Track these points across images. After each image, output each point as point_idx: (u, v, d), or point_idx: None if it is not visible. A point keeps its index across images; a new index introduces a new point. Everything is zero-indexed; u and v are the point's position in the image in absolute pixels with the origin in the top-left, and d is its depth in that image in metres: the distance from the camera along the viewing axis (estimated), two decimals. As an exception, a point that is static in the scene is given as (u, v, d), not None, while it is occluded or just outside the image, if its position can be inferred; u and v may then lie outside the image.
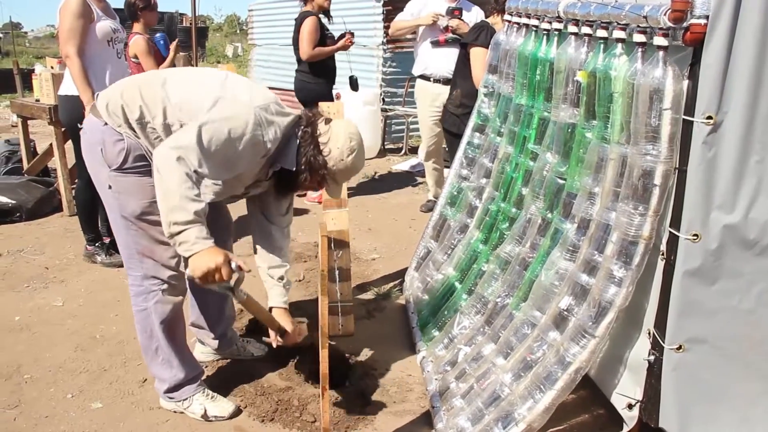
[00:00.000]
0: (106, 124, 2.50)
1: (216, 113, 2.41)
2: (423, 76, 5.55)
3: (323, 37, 5.62)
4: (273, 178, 2.69)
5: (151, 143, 2.50)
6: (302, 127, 2.61)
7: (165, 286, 2.67)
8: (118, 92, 2.55)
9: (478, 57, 4.31)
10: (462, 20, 5.28)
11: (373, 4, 8.50)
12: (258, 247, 2.87)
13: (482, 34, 4.38)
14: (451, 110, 4.68)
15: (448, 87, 5.01)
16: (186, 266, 2.33)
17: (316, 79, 5.70)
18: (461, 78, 4.64)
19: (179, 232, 2.26)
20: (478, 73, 4.24)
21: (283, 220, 2.91)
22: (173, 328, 2.76)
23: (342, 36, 5.74)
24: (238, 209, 3.12)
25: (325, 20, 5.74)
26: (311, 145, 2.58)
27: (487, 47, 4.20)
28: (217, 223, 2.86)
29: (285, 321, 2.79)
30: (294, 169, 2.60)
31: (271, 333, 2.79)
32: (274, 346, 2.83)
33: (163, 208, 2.27)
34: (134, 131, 2.50)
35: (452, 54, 5.12)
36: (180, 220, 2.24)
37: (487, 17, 4.70)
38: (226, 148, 2.39)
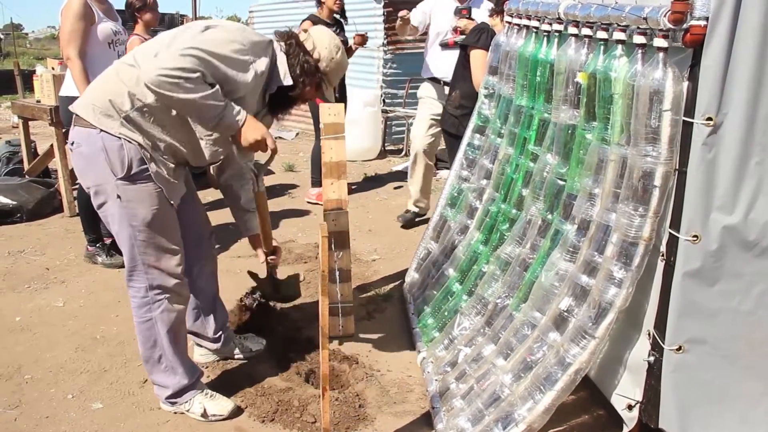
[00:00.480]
0: (101, 131, 2.47)
1: (208, 34, 2.44)
2: (434, 79, 5.36)
3: None
4: (270, 103, 2.73)
5: (150, 133, 2.51)
6: (284, 42, 2.67)
7: (170, 294, 2.69)
8: (98, 91, 2.54)
9: (478, 59, 4.30)
10: (471, 19, 5.19)
11: (374, 5, 8.51)
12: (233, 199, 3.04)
13: (483, 36, 4.37)
14: (450, 111, 4.67)
15: None
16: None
17: None
18: (460, 79, 4.63)
19: (220, 117, 2.42)
20: (478, 75, 4.24)
21: (245, 175, 3.00)
22: (177, 335, 2.77)
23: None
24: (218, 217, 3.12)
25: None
26: (301, 53, 2.66)
27: (487, 49, 4.20)
28: (190, 220, 2.92)
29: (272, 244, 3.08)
30: (291, 83, 2.64)
31: (260, 253, 3.08)
32: (261, 261, 3.11)
33: (193, 113, 2.43)
34: (131, 124, 2.48)
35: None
36: (216, 103, 2.38)
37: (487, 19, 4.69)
38: (224, 56, 2.42)
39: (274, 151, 2.61)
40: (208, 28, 2.48)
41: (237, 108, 2.46)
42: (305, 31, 2.77)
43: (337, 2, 5.82)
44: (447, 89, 5.19)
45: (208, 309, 3.13)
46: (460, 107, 4.53)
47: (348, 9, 6.07)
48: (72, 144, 2.59)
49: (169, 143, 2.55)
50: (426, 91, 5.39)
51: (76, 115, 2.55)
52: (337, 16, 5.98)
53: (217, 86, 2.40)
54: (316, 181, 5.97)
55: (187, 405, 2.81)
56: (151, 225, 2.57)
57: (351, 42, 5.90)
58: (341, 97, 6.06)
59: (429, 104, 5.32)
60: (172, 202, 2.62)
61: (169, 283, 2.67)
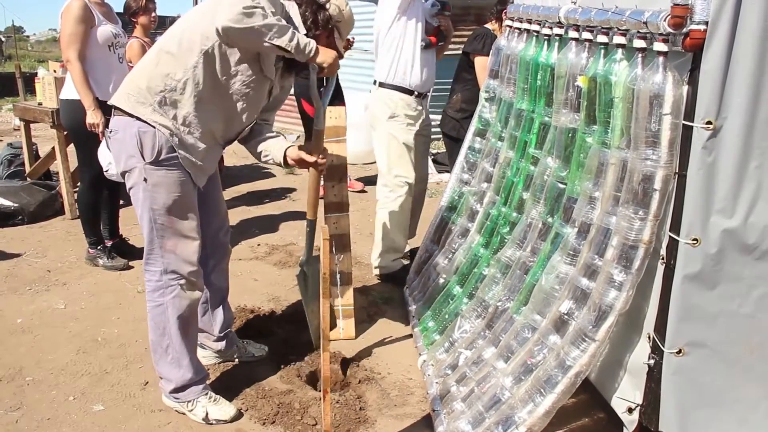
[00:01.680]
0: (138, 118, 2.56)
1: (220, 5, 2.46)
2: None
3: None
4: (284, 61, 2.76)
5: (183, 115, 2.57)
6: None
7: (184, 281, 2.73)
8: (136, 78, 2.63)
9: (484, 65, 4.28)
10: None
11: (373, 9, 8.51)
12: (252, 138, 2.93)
13: (486, 43, 4.37)
14: (451, 114, 4.67)
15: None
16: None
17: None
18: (461, 83, 4.63)
19: (297, 42, 2.48)
20: (482, 81, 4.23)
21: (272, 115, 3.02)
22: (188, 325, 2.80)
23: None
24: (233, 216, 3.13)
25: None
26: (312, 4, 2.73)
27: (488, 55, 4.21)
28: (212, 211, 2.98)
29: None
30: (305, 32, 2.69)
31: (310, 157, 2.84)
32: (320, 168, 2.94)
33: (272, 41, 2.43)
34: (164, 107, 2.56)
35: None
36: (288, 36, 2.45)
37: (485, 24, 4.68)
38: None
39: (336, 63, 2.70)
40: None
41: (307, 39, 2.56)
42: None
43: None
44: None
45: (216, 305, 3.15)
46: (460, 110, 4.54)
47: None
48: (110, 132, 2.69)
49: (203, 117, 2.62)
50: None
51: (115, 106, 2.65)
52: None
53: (279, 16, 2.51)
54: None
55: (190, 405, 2.82)
56: (170, 210, 2.64)
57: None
58: (338, 98, 6.06)
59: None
60: (198, 184, 2.71)
61: (184, 269, 2.71)
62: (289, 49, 2.48)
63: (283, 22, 2.48)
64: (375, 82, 4.35)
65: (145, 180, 2.60)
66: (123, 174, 2.68)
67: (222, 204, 3.11)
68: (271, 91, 2.83)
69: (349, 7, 2.84)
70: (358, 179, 6.94)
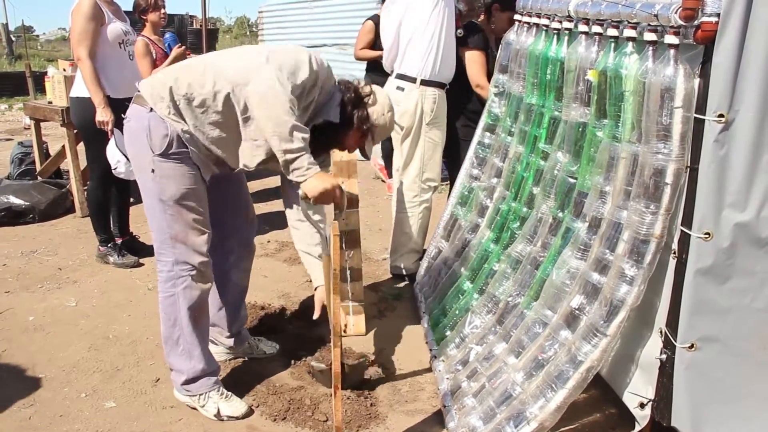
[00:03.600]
0: (151, 110, 2.58)
1: (278, 59, 2.52)
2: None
3: (379, 41, 5.18)
4: (313, 135, 2.69)
5: (197, 119, 2.58)
6: (344, 85, 2.75)
7: (194, 272, 2.74)
8: (165, 75, 2.65)
9: (473, 60, 4.18)
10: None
11: (379, 8, 8.48)
12: (294, 228, 2.91)
13: (473, 37, 4.24)
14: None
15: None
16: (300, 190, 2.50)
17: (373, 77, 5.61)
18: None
19: (294, 159, 2.42)
20: (474, 75, 4.14)
21: None
22: (198, 316, 2.81)
23: None
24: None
25: None
26: (356, 99, 2.73)
27: (480, 49, 4.17)
28: (231, 207, 3.01)
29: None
30: (338, 121, 2.69)
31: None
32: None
33: (275, 140, 2.40)
34: (180, 112, 2.57)
35: None
36: (294, 148, 2.40)
37: (477, 18, 4.58)
38: (297, 82, 2.52)
39: (339, 204, 2.61)
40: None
41: (312, 161, 2.46)
42: (368, 85, 2.81)
43: None
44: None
45: (234, 303, 3.17)
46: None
47: (350, 9, 6.00)
48: (125, 118, 2.71)
49: (213, 137, 2.62)
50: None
51: (136, 94, 2.67)
52: None
53: (308, 133, 2.46)
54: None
55: (201, 399, 2.83)
56: (179, 202, 2.65)
57: None
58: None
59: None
60: (205, 178, 2.71)
61: (194, 260, 2.72)
62: (279, 158, 2.44)
63: (301, 131, 2.42)
64: (402, 77, 4.08)
65: (153, 171, 2.62)
66: (133, 162, 2.72)
67: (246, 202, 3.11)
68: None
69: (390, 114, 2.80)
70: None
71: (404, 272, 4.31)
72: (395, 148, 4.35)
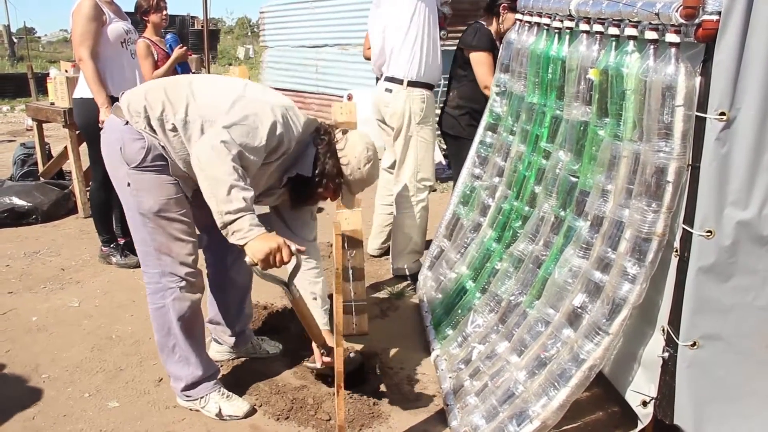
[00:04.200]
0: (127, 123, 2.55)
1: (239, 111, 2.45)
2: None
3: None
4: (287, 186, 2.72)
5: (170, 141, 2.54)
6: (320, 135, 2.67)
7: (183, 283, 2.71)
8: (142, 93, 2.60)
9: (479, 61, 4.21)
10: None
11: None
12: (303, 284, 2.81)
13: (478, 37, 4.25)
14: (449, 112, 4.58)
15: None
16: (245, 254, 2.32)
17: None
18: (456, 80, 4.55)
19: (232, 221, 2.27)
20: (484, 77, 4.16)
21: (309, 232, 2.93)
22: (191, 325, 2.79)
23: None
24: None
25: None
26: (329, 153, 2.65)
27: (485, 50, 4.18)
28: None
29: (329, 339, 2.78)
30: (310, 175, 2.64)
31: (316, 351, 2.79)
32: (319, 366, 2.81)
33: (212, 201, 2.28)
34: (154, 131, 2.53)
35: None
36: (232, 209, 2.26)
37: (480, 18, 4.59)
38: (253, 144, 2.41)
39: (300, 253, 2.48)
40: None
41: (255, 222, 2.31)
42: (344, 132, 2.73)
43: None
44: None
45: (237, 302, 3.15)
46: (457, 107, 4.44)
47: (352, 9, 6.00)
48: (102, 128, 2.71)
49: (185, 161, 2.57)
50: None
51: (116, 104, 2.65)
52: None
53: (251, 193, 2.32)
54: None
55: (202, 402, 2.83)
56: (159, 214, 2.60)
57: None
58: None
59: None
60: (186, 193, 2.65)
61: (180, 271, 2.69)
62: (217, 221, 2.30)
63: (244, 191, 2.29)
64: (390, 80, 4.14)
65: (129, 185, 2.58)
66: (109, 173, 2.68)
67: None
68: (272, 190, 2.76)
69: (367, 168, 2.71)
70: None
71: (407, 272, 4.33)
72: (387, 148, 4.41)
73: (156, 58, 5.30)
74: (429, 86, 4.15)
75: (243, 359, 3.28)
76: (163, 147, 2.55)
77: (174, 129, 2.52)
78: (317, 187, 2.70)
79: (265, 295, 4.00)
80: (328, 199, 2.82)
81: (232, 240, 2.31)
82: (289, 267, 2.52)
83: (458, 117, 4.40)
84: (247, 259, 2.32)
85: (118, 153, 2.57)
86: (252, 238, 2.28)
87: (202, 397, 2.84)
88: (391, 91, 4.12)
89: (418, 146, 4.15)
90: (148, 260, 2.70)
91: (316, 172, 2.66)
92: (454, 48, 4.49)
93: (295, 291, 2.58)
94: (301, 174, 2.66)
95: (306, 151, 2.66)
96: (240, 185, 2.28)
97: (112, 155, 2.62)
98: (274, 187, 2.73)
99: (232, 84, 2.69)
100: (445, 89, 4.93)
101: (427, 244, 4.44)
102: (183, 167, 2.58)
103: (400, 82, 4.09)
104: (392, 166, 4.44)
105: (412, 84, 4.07)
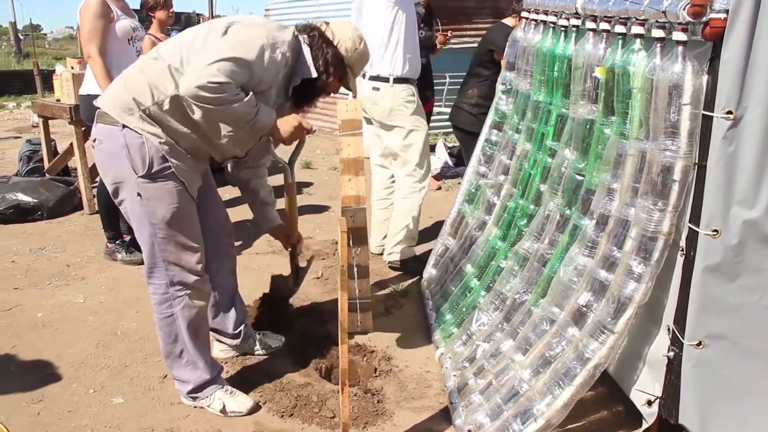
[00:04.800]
0: (124, 126, 2.50)
1: (232, 35, 2.49)
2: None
3: None
4: (292, 96, 2.76)
5: (171, 123, 2.53)
6: (307, 34, 2.71)
7: (191, 291, 2.71)
8: (120, 88, 2.57)
9: None
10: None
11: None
12: (250, 194, 3.14)
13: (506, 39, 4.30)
14: (467, 109, 4.61)
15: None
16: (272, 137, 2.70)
17: None
18: (477, 78, 4.57)
19: (254, 116, 2.50)
20: None
21: (267, 159, 3.10)
22: (199, 330, 2.80)
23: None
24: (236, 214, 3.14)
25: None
26: (324, 44, 2.70)
27: None
28: (211, 218, 2.95)
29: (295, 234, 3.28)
30: (315, 75, 2.68)
31: (284, 242, 3.22)
32: (287, 248, 3.19)
33: (228, 119, 2.48)
34: (153, 119, 2.51)
35: None
36: (251, 108, 2.47)
37: (504, 18, 4.65)
38: (252, 60, 2.45)
39: (308, 132, 2.74)
40: (229, 27, 2.52)
41: (267, 109, 2.55)
42: (327, 23, 2.79)
43: (421, 0, 5.87)
44: None
45: (227, 305, 3.15)
46: (477, 105, 4.49)
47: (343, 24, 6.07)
48: (94, 141, 2.61)
49: (189, 136, 2.57)
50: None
51: (99, 112, 2.58)
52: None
53: (251, 93, 2.47)
54: None
55: (207, 400, 2.84)
56: (170, 223, 2.59)
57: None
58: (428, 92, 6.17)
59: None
60: (192, 195, 2.65)
61: (189, 279, 2.69)
62: (246, 126, 2.51)
63: (247, 98, 2.44)
64: (375, 78, 4.27)
65: (140, 195, 2.54)
66: (112, 186, 2.60)
67: (221, 210, 3.05)
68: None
69: (362, 45, 2.79)
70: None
71: (399, 257, 4.43)
72: (373, 146, 4.58)
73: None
74: (412, 81, 4.35)
75: (247, 357, 3.27)
76: (164, 144, 2.52)
77: (173, 105, 2.50)
78: (326, 81, 2.73)
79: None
80: (333, 91, 2.85)
81: (262, 127, 2.56)
82: (291, 150, 2.90)
83: (477, 115, 4.46)
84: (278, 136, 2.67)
85: (124, 161, 2.51)
86: (275, 118, 2.59)
87: (207, 397, 2.84)
88: (378, 89, 4.28)
89: (420, 135, 4.30)
90: (155, 272, 2.68)
91: (320, 68, 2.69)
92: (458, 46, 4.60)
93: (293, 176, 2.99)
94: (305, 78, 2.69)
95: (300, 55, 2.68)
96: (241, 96, 2.43)
97: (117, 166, 2.55)
98: (283, 104, 2.75)
99: (205, 26, 2.67)
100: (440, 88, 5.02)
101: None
102: (190, 145, 2.59)
103: (386, 80, 4.26)
104: (382, 163, 4.63)
105: (397, 80, 4.25)
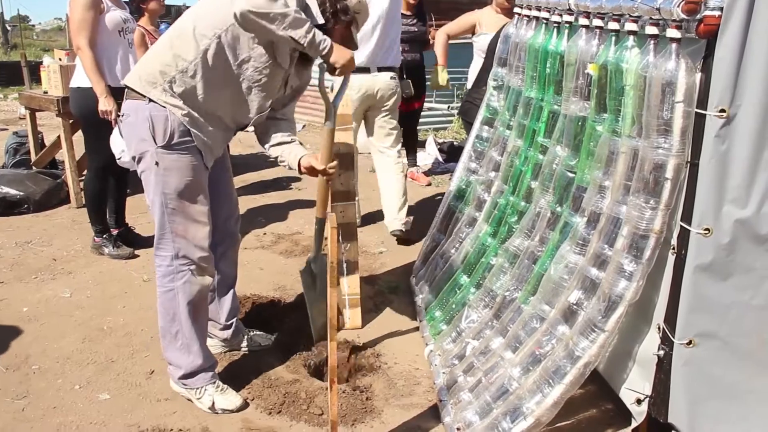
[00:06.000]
0: (150, 101, 2.56)
1: None
2: None
3: None
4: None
5: (195, 90, 2.57)
6: None
7: (194, 266, 2.73)
8: (149, 60, 2.65)
9: None
10: None
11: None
12: (270, 139, 2.90)
13: None
14: (479, 105, 4.61)
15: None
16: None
17: None
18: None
19: (313, 36, 2.49)
20: None
21: (290, 111, 3.03)
22: (198, 311, 2.80)
23: None
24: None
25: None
26: None
27: None
28: (222, 198, 2.97)
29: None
30: (322, 21, 2.66)
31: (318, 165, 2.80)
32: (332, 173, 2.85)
33: (286, 31, 2.43)
34: (175, 91, 2.55)
35: None
36: (306, 30, 2.46)
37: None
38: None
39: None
40: None
41: (322, 34, 2.56)
42: None
43: None
44: None
45: (224, 293, 3.15)
46: None
47: None
48: (122, 115, 2.70)
49: (214, 100, 2.62)
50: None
51: (127, 90, 2.66)
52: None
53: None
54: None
55: (198, 392, 2.82)
56: (182, 195, 2.64)
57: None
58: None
59: None
60: (207, 165, 2.70)
61: (194, 254, 2.71)
62: (303, 42, 2.47)
63: (302, 14, 2.46)
64: (390, 69, 4.81)
65: (157, 164, 2.60)
66: (134, 158, 2.68)
67: (232, 192, 3.11)
68: (287, 82, 2.80)
69: None
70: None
71: (404, 228, 4.84)
72: (375, 129, 4.97)
73: (149, 48, 5.26)
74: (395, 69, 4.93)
75: (235, 353, 3.25)
76: (186, 116, 2.57)
77: (195, 71, 2.55)
78: (331, 31, 2.70)
79: (258, 288, 3.99)
80: (342, 42, 2.77)
81: (317, 52, 2.56)
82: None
83: None
84: (333, 60, 2.62)
85: (146, 132, 2.58)
86: (330, 44, 2.58)
87: (198, 388, 2.82)
88: (394, 78, 4.81)
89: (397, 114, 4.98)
90: (163, 243, 2.71)
91: (328, 13, 2.68)
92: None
93: (333, 118, 2.81)
94: (314, 24, 2.65)
95: (306, 5, 2.65)
96: (293, 9, 2.43)
97: (138, 136, 2.62)
98: (292, 54, 2.72)
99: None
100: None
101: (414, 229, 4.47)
102: (211, 111, 2.64)
103: (396, 69, 4.87)
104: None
105: (392, 69, 4.85)
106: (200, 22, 2.57)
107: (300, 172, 2.82)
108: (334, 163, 2.80)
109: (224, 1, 2.50)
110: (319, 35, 2.51)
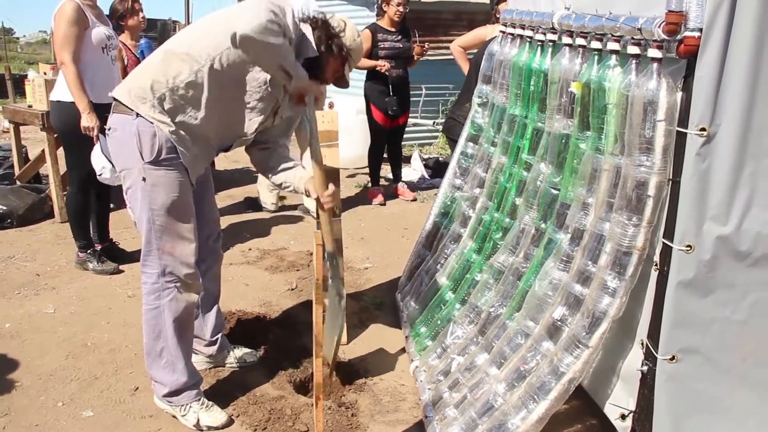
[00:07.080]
0: (138, 115, 2.56)
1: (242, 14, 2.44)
2: None
3: (376, 49, 6.14)
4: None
5: (184, 108, 2.58)
6: (311, 19, 2.72)
7: (180, 283, 2.72)
8: (140, 74, 2.65)
9: None
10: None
11: (367, 13, 8.52)
12: (272, 168, 2.90)
13: None
14: (463, 122, 4.63)
15: None
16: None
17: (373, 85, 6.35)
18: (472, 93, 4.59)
19: (298, 74, 2.50)
20: None
21: (286, 140, 3.03)
22: (183, 328, 2.78)
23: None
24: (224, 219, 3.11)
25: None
26: (326, 28, 2.72)
27: None
28: (205, 217, 2.97)
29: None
30: (316, 54, 2.68)
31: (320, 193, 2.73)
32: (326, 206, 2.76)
33: (280, 61, 2.45)
34: (164, 108, 2.56)
35: None
36: (294, 63, 2.49)
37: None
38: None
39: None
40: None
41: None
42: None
43: (398, 12, 5.99)
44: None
45: (208, 309, 3.15)
46: None
47: (346, 15, 6.16)
48: (108, 129, 2.69)
49: (202, 122, 2.62)
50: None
51: (114, 103, 2.65)
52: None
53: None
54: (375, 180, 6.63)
55: (183, 410, 2.80)
56: (170, 211, 2.63)
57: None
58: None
59: None
60: (192, 182, 2.70)
61: (181, 271, 2.70)
62: (292, 74, 2.49)
63: (291, 47, 2.49)
64: None
65: (144, 180, 2.60)
66: (121, 173, 2.68)
67: (214, 210, 3.11)
68: (277, 112, 2.80)
69: (359, 38, 2.84)
70: (345, 190, 6.92)
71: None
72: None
73: (125, 63, 5.28)
74: None
75: (220, 369, 3.24)
76: (173, 134, 2.57)
77: (186, 90, 2.56)
78: (324, 64, 2.73)
79: (243, 303, 3.98)
80: (334, 78, 2.84)
81: (300, 77, 2.53)
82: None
83: None
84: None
85: (133, 147, 2.57)
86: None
87: (183, 405, 2.81)
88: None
89: None
90: (149, 260, 2.70)
91: (322, 49, 2.70)
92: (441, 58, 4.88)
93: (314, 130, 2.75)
94: (307, 56, 2.68)
95: (303, 36, 2.67)
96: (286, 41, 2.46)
97: (126, 151, 2.61)
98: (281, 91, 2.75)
99: (208, 19, 2.73)
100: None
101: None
102: (199, 131, 2.64)
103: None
104: None
105: None
106: (196, 43, 2.59)
107: (306, 195, 2.83)
108: (330, 190, 2.72)
109: (222, 26, 2.52)
110: (301, 71, 2.53)
